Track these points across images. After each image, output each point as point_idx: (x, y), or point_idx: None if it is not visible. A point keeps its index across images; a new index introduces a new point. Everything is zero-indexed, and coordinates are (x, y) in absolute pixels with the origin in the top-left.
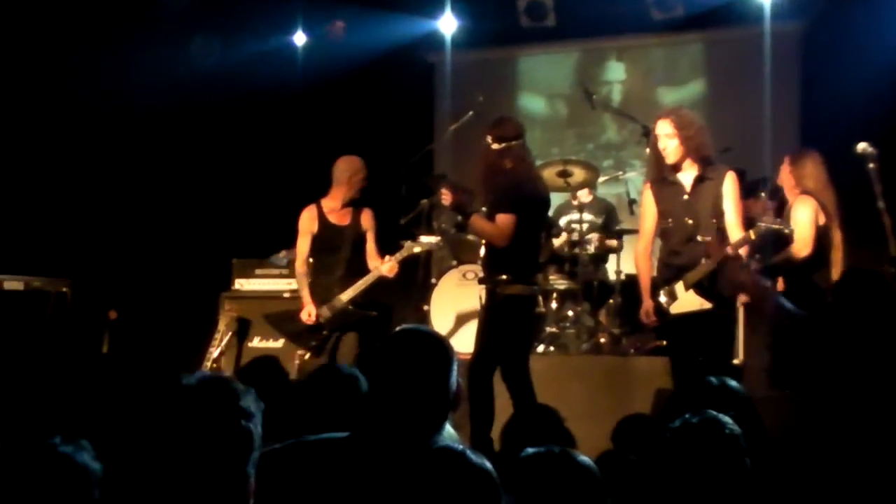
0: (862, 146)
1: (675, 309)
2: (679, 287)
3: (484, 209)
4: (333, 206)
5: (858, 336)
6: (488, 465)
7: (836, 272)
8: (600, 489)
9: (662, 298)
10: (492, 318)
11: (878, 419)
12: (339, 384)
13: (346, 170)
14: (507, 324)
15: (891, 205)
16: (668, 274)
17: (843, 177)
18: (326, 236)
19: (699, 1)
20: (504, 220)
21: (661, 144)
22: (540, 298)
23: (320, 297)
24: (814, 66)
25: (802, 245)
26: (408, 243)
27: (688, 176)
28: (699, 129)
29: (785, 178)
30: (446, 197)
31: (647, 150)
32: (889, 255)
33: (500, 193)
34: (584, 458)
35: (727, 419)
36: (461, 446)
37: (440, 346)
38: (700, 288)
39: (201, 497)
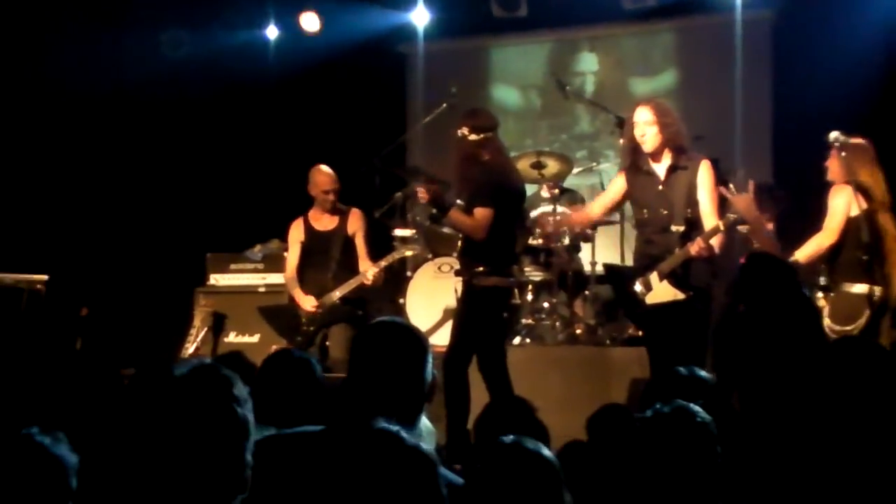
0: (834, 135)
1: (651, 299)
2: (654, 277)
3: (459, 201)
4: (317, 214)
5: (758, 321)
6: (424, 445)
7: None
8: (556, 480)
9: (638, 288)
10: (468, 310)
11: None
12: (293, 368)
13: (312, 183)
14: (483, 315)
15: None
16: (644, 263)
17: (816, 165)
18: (314, 243)
19: None
20: (482, 213)
21: (640, 131)
22: (515, 290)
23: (314, 294)
24: (785, 53)
25: (827, 234)
26: (396, 248)
27: (662, 166)
28: (676, 118)
29: (835, 170)
30: (423, 194)
31: (621, 140)
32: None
33: (478, 186)
34: (545, 451)
35: (697, 408)
36: (395, 427)
37: (415, 338)
38: (674, 278)
39: (202, 486)
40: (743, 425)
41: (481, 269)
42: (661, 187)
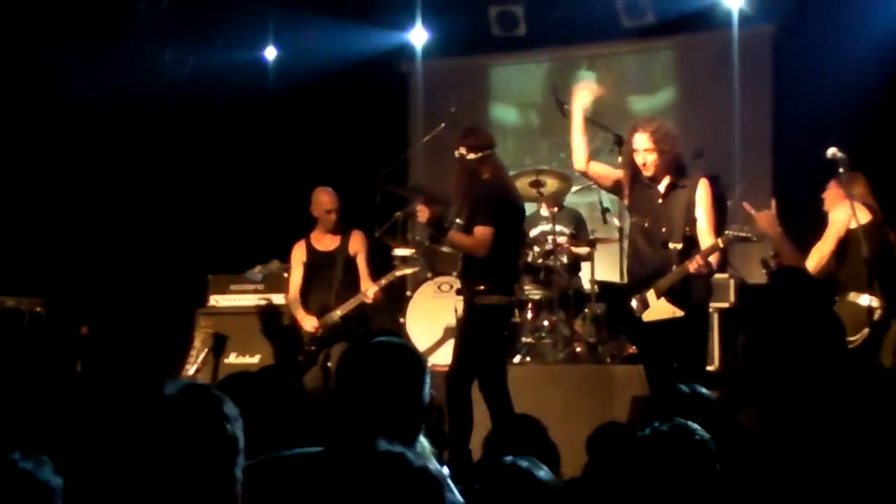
0: (832, 151)
1: (648, 317)
2: (650, 295)
3: (459, 220)
4: (319, 235)
5: (786, 334)
6: (432, 465)
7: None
8: (549, 502)
9: (634, 305)
10: (469, 329)
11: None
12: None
13: (315, 203)
14: (484, 334)
15: None
16: (639, 280)
17: (816, 181)
18: (317, 264)
19: (669, 7)
20: (482, 231)
21: (641, 159)
22: (515, 308)
23: (316, 315)
24: (785, 68)
25: (826, 242)
26: (396, 267)
27: (662, 184)
28: (674, 140)
29: (832, 198)
30: (423, 213)
31: (619, 158)
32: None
33: (478, 204)
34: (540, 472)
35: (696, 426)
36: (399, 448)
37: (412, 357)
38: (672, 295)
39: (193, 499)
40: (759, 441)
41: (482, 287)
42: (660, 201)
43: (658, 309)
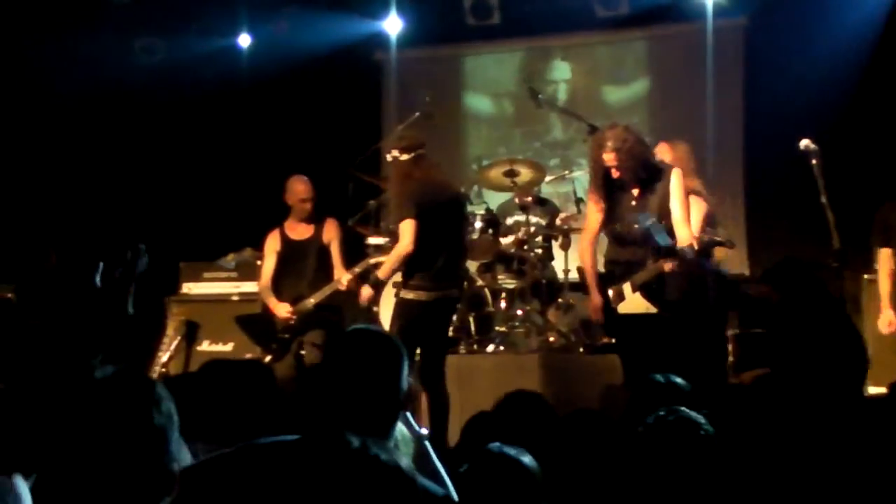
0: (805, 143)
1: (623, 309)
2: (626, 288)
3: (392, 226)
4: (293, 224)
5: (794, 323)
6: (404, 461)
7: None
8: (535, 489)
9: (610, 295)
10: (392, 320)
11: (817, 400)
12: (250, 375)
13: (290, 192)
14: (399, 326)
15: (834, 200)
16: (617, 272)
17: (788, 172)
18: (290, 253)
19: None
20: (402, 227)
21: (613, 172)
22: (489, 296)
23: (290, 302)
24: (757, 60)
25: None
26: (370, 255)
27: (634, 187)
28: (640, 151)
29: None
30: (350, 285)
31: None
32: (832, 249)
33: (401, 203)
34: (526, 459)
35: (702, 419)
36: (369, 442)
37: (391, 345)
38: (647, 291)
39: (123, 487)
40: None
41: (405, 281)
42: (634, 203)
43: (633, 302)
